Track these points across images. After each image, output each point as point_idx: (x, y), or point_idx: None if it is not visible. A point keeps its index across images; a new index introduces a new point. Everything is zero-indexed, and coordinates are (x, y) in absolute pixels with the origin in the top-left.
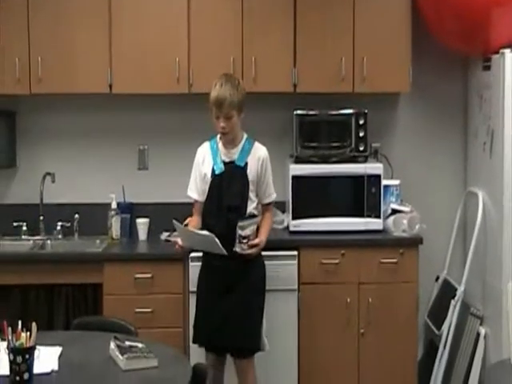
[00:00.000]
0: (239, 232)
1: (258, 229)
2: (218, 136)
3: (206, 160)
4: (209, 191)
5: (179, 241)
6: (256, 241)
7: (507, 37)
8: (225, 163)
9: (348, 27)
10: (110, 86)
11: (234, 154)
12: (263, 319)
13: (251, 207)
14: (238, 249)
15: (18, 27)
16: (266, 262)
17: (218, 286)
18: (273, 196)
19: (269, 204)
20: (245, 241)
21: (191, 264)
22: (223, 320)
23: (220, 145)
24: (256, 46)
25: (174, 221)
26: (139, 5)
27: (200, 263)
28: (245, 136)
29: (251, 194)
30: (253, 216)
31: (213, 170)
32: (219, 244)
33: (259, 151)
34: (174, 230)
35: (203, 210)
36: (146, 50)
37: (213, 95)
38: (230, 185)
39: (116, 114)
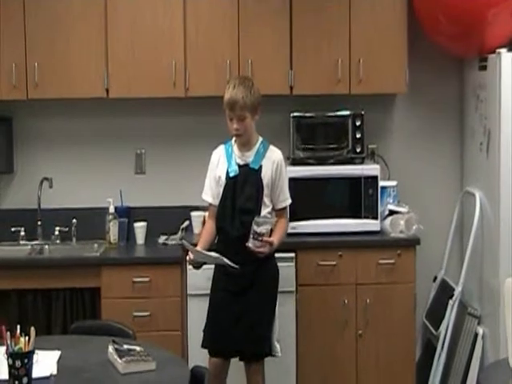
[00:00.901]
0: (254, 228)
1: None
2: (233, 139)
3: (220, 163)
4: (223, 194)
5: (190, 255)
6: (270, 239)
7: (503, 37)
8: (239, 166)
9: (344, 29)
10: (107, 91)
11: (249, 157)
12: (275, 324)
13: (265, 212)
14: (250, 244)
15: (15, 32)
16: None
17: (231, 290)
18: (287, 201)
19: (282, 209)
20: (259, 238)
21: (189, 267)
22: (235, 323)
23: (235, 147)
24: (252, 48)
25: (184, 242)
26: (135, 9)
27: None
28: (260, 139)
29: (265, 199)
30: (267, 217)
31: (227, 173)
32: (229, 262)
33: (274, 154)
34: (172, 234)
35: (217, 212)
36: (142, 54)
37: (226, 97)
38: (243, 188)
39: (113, 118)
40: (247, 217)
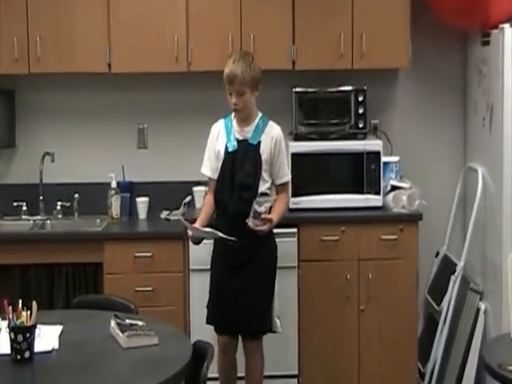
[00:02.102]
0: (255, 207)
1: (271, 208)
2: (233, 114)
3: (220, 137)
4: (221, 168)
5: (189, 232)
6: (269, 216)
7: (506, 12)
8: (238, 141)
9: (346, 3)
10: (109, 65)
11: (248, 133)
12: (275, 300)
13: (264, 187)
14: (250, 223)
15: (17, 6)
16: None
17: (230, 265)
18: (287, 177)
19: (282, 185)
20: (260, 217)
21: (191, 242)
22: (235, 299)
23: (234, 122)
24: (254, 23)
25: (181, 219)
26: None
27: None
28: (259, 114)
29: (264, 174)
30: (268, 195)
31: (226, 148)
32: (224, 236)
33: (273, 130)
34: (175, 209)
35: (216, 187)
36: (144, 28)
37: (225, 71)
38: (242, 163)
39: (115, 93)
40: (246, 192)
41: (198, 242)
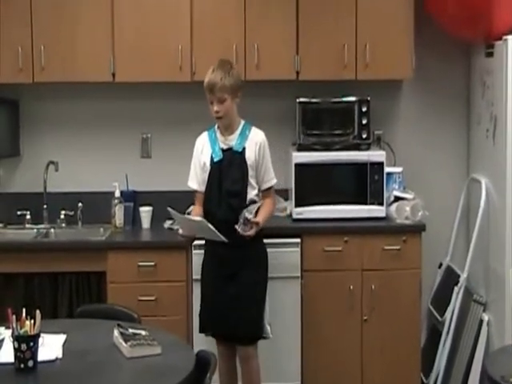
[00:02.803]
0: (246, 215)
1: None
2: (216, 125)
3: (204, 149)
4: (208, 179)
5: (180, 230)
6: (256, 219)
7: (510, 23)
8: (223, 150)
9: (350, 14)
10: (113, 75)
11: (232, 141)
12: (266, 307)
13: (253, 193)
14: (239, 229)
15: (21, 16)
16: (269, 250)
17: (221, 275)
18: (272, 181)
19: (268, 189)
20: (248, 223)
21: (194, 252)
22: (227, 308)
23: (218, 133)
24: (258, 33)
25: (169, 208)
26: None
27: (203, 251)
28: (242, 122)
29: (251, 180)
30: (255, 202)
31: (211, 158)
32: (213, 228)
33: (257, 136)
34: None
35: (204, 197)
36: (148, 38)
37: (205, 81)
38: (229, 171)
39: (119, 102)
40: (234, 199)
41: (189, 241)
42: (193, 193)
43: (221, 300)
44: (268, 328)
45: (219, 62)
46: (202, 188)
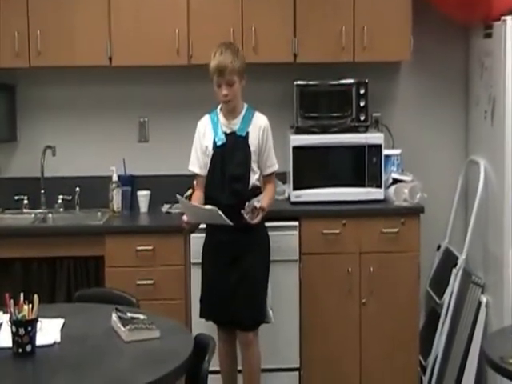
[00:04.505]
0: (255, 204)
1: None
2: (219, 108)
3: (206, 133)
4: (211, 163)
5: (185, 217)
6: (262, 204)
7: (509, 4)
8: (226, 134)
9: None
10: (110, 59)
11: (235, 125)
12: (268, 291)
13: (254, 178)
14: (247, 216)
15: (17, 0)
16: None
17: (224, 259)
18: (274, 167)
19: (270, 175)
20: (255, 210)
21: (192, 236)
22: (229, 293)
23: (221, 116)
24: (256, 16)
25: (178, 196)
26: None
27: (202, 235)
28: (245, 106)
29: (254, 165)
30: (258, 187)
31: (214, 142)
32: (223, 216)
33: (260, 120)
34: (176, 203)
35: (206, 182)
36: (145, 21)
37: (213, 64)
38: (232, 155)
39: (116, 86)
40: (237, 184)
41: (191, 230)
42: (190, 177)
43: (222, 285)
44: (270, 312)
45: (225, 44)
46: (204, 172)
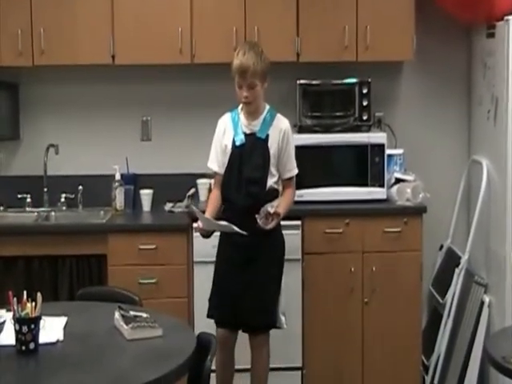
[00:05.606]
0: (269, 209)
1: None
2: (240, 107)
3: (226, 131)
4: (228, 163)
5: (200, 224)
6: (277, 210)
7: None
8: (246, 135)
9: None
10: (113, 57)
11: (256, 126)
12: (281, 296)
13: (271, 181)
14: (260, 222)
15: None
16: None
17: (237, 260)
18: (294, 171)
19: (289, 179)
20: (270, 216)
21: (195, 235)
22: (241, 294)
23: (241, 116)
24: (259, 15)
25: (194, 208)
26: None
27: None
28: (267, 107)
29: (272, 168)
30: (277, 190)
31: (233, 142)
32: (238, 230)
33: (281, 123)
34: (178, 201)
35: (222, 181)
36: (148, 20)
37: (235, 63)
38: (250, 157)
39: (119, 85)
40: (254, 187)
41: (207, 235)
42: (193, 175)
43: (234, 285)
44: (282, 318)
45: (249, 44)
46: (222, 170)
